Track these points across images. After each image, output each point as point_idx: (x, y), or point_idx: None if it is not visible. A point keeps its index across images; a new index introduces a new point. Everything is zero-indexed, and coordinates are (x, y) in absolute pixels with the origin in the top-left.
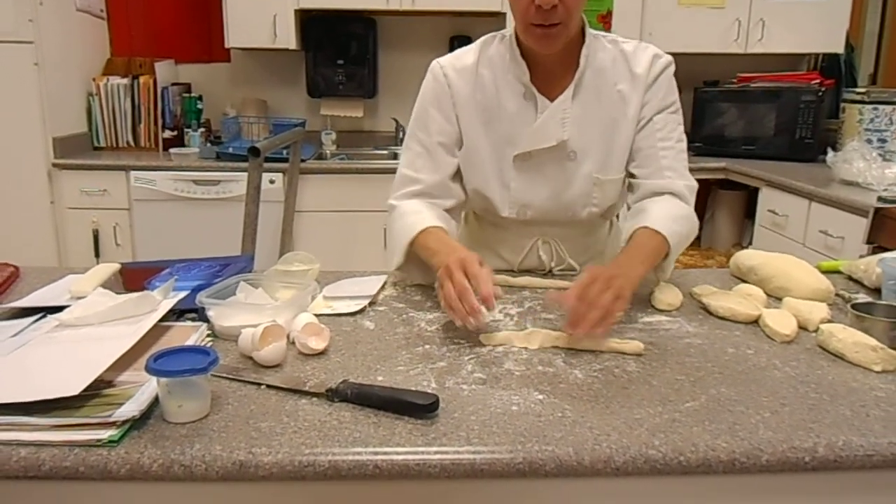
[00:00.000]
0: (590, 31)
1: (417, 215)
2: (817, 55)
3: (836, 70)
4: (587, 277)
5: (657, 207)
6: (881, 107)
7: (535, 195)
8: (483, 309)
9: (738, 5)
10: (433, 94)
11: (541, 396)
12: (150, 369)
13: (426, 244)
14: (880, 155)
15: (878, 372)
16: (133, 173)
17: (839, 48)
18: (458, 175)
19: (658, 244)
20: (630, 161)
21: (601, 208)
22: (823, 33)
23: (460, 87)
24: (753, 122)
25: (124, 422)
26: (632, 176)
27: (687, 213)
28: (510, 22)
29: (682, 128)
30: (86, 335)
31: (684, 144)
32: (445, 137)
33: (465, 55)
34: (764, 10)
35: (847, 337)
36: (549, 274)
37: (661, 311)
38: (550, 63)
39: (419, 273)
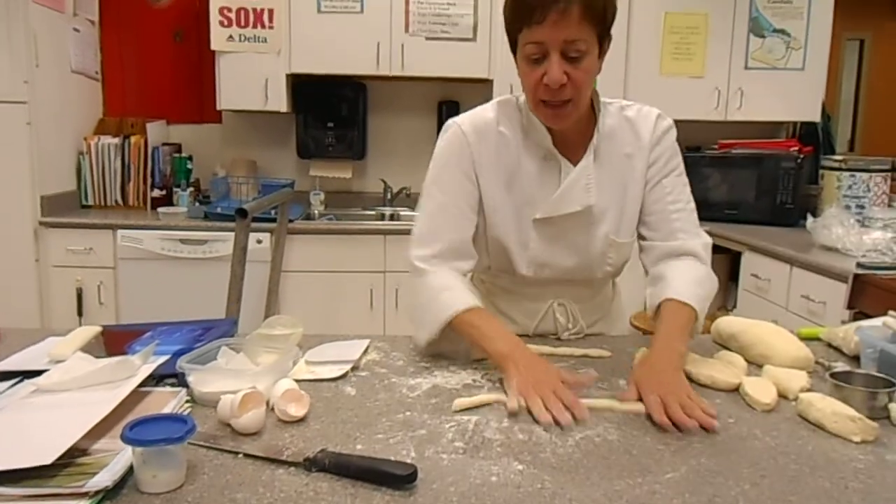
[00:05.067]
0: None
1: (452, 291)
2: (796, 122)
3: (814, 137)
4: (653, 403)
5: (677, 273)
6: (858, 174)
7: (554, 256)
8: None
9: (717, 75)
10: (453, 153)
11: (520, 466)
12: (125, 438)
13: (472, 322)
14: (858, 221)
15: (857, 443)
16: (120, 232)
17: (816, 117)
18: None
19: (687, 316)
20: (641, 224)
21: (615, 268)
22: (800, 102)
23: (481, 147)
24: (735, 188)
25: (97, 492)
26: (643, 238)
27: (706, 272)
28: (497, 88)
29: (688, 189)
30: (62, 401)
31: (693, 205)
32: (466, 197)
33: (484, 112)
34: (742, 80)
35: (826, 406)
36: (558, 340)
37: None
38: (566, 130)
39: (447, 344)
